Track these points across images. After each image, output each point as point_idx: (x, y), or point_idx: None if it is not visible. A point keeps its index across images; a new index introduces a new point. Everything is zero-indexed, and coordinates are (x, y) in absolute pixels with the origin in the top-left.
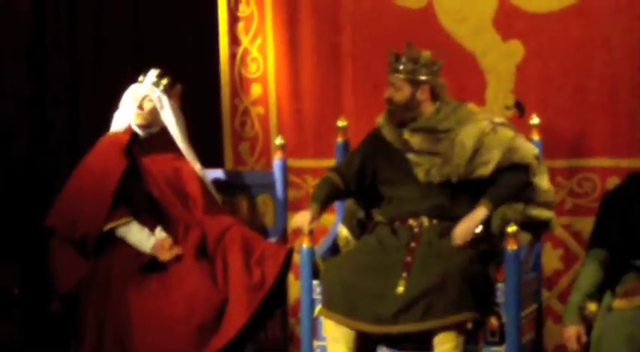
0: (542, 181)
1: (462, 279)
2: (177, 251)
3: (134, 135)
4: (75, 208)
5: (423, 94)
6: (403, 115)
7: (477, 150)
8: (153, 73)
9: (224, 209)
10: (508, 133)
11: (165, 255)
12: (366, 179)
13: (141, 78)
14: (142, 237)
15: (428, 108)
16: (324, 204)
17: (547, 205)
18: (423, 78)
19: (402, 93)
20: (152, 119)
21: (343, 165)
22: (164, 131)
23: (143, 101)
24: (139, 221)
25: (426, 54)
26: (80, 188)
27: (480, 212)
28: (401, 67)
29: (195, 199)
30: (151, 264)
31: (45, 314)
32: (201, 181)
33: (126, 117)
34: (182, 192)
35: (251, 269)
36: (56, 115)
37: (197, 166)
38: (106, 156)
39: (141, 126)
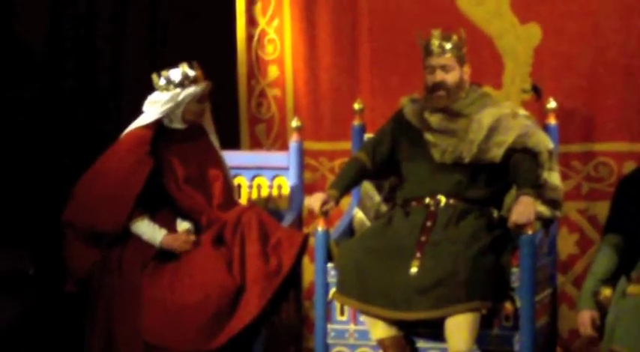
0: (553, 178)
1: (474, 268)
2: (187, 245)
3: (158, 129)
4: (95, 207)
5: (466, 74)
6: (452, 97)
7: (493, 130)
8: (193, 72)
9: (240, 204)
10: (527, 122)
11: (176, 247)
12: (395, 158)
13: (191, 73)
14: (149, 233)
15: (465, 90)
16: (345, 189)
17: (553, 203)
18: (465, 57)
19: (453, 74)
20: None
21: (372, 146)
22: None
23: (204, 98)
24: (160, 215)
25: (461, 33)
26: (102, 186)
27: (528, 198)
28: (448, 46)
29: (214, 196)
30: (166, 253)
31: (59, 294)
32: (224, 180)
33: (161, 111)
34: (206, 188)
35: (268, 256)
36: (72, 106)
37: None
38: (132, 155)
39: (190, 122)
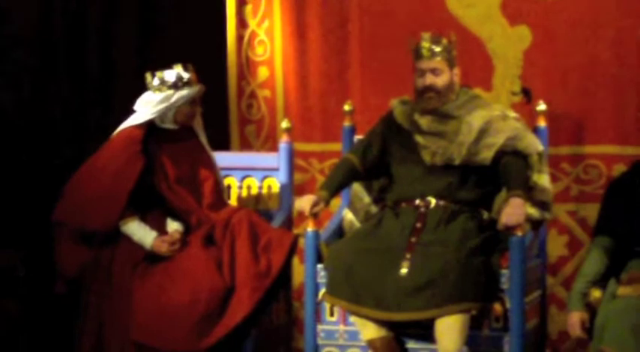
0: (542, 180)
1: (464, 269)
2: (175, 247)
3: (149, 128)
4: (86, 205)
5: (456, 76)
6: (442, 100)
7: (483, 132)
8: (188, 75)
9: (230, 205)
10: (517, 124)
11: (165, 251)
12: (385, 160)
13: (185, 75)
14: (140, 235)
15: (455, 92)
16: (335, 191)
17: (543, 205)
18: (455, 60)
19: (443, 76)
20: None
21: (362, 148)
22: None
23: (197, 101)
24: (150, 215)
25: (452, 36)
26: (94, 185)
27: (518, 200)
28: (438, 49)
29: (204, 197)
30: (156, 254)
31: (49, 294)
32: (214, 180)
33: (153, 112)
34: (196, 189)
35: (258, 257)
36: (62, 107)
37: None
38: (123, 154)
39: (183, 124)
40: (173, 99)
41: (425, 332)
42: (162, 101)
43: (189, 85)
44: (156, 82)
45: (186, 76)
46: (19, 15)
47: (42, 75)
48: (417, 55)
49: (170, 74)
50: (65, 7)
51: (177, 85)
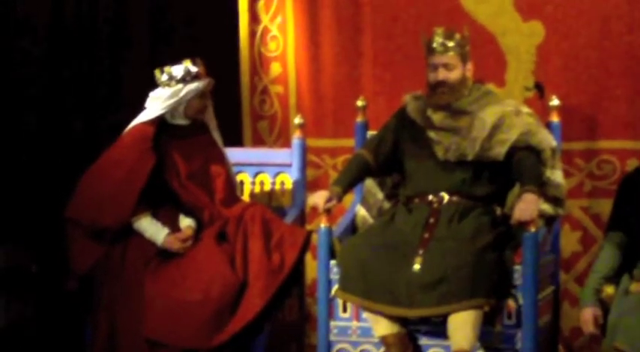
0: (556, 175)
1: (477, 265)
2: (187, 244)
3: (160, 124)
4: (98, 202)
5: (469, 72)
6: (454, 95)
7: (496, 127)
8: (196, 68)
9: (242, 201)
10: (530, 120)
11: (177, 249)
12: (398, 156)
13: (193, 69)
14: (151, 231)
15: (468, 87)
16: (349, 186)
17: (556, 201)
18: (468, 55)
19: (456, 72)
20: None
21: (375, 143)
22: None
23: (206, 94)
24: (162, 211)
25: (465, 31)
26: (105, 182)
27: (531, 195)
28: (451, 44)
29: (216, 192)
30: (168, 251)
31: (61, 291)
32: (227, 176)
33: (163, 107)
34: (208, 185)
35: (270, 253)
36: (75, 104)
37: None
38: (135, 151)
39: (193, 118)
40: (182, 93)
41: (438, 328)
42: (171, 96)
43: (198, 79)
44: (165, 77)
45: (194, 69)
46: (30, 12)
47: (53, 74)
48: (430, 49)
49: (178, 69)
50: (77, 5)
51: (185, 79)
